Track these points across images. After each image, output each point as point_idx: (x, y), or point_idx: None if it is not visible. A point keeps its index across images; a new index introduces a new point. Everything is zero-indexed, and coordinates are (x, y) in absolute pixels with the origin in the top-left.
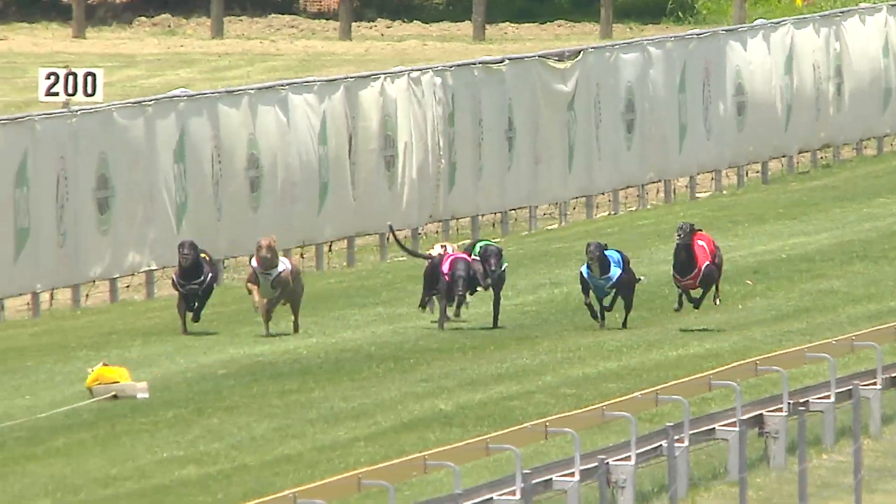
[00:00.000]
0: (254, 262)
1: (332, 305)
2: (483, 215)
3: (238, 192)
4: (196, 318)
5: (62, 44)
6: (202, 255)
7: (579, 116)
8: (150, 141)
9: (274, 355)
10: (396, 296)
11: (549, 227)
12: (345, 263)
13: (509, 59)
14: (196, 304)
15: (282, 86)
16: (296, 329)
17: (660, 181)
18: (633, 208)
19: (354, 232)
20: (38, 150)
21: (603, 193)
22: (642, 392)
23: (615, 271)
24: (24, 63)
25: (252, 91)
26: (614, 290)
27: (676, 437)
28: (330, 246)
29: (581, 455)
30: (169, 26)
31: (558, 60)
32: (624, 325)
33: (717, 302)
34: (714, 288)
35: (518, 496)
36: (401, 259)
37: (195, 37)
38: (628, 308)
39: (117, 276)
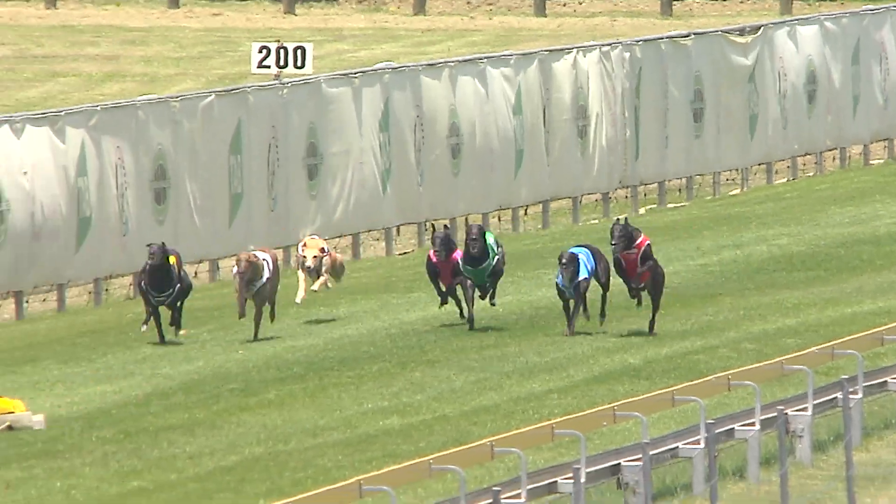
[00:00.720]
0: (235, 270)
1: (528, 266)
2: (669, 181)
3: (439, 159)
4: (176, 325)
5: (273, 20)
6: (171, 259)
7: (759, 88)
8: (356, 111)
9: (474, 312)
10: None
11: (732, 193)
12: (539, 226)
13: (694, 34)
14: (172, 312)
15: (480, 59)
16: (255, 335)
17: (835, 148)
18: (811, 174)
19: (549, 196)
20: (251, 119)
21: (782, 160)
22: (819, 347)
23: (583, 274)
24: (238, 38)
25: (452, 64)
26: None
27: (851, 390)
28: (525, 210)
29: (761, 406)
30: (374, 3)
31: (740, 35)
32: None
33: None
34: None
35: (702, 445)
36: (593, 221)
37: (399, 13)
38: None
39: (326, 237)
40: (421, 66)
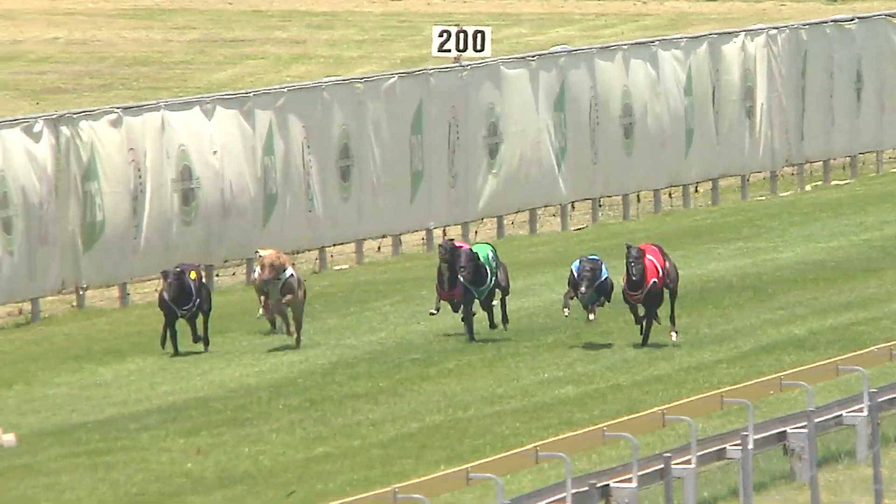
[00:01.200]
0: (257, 272)
1: (698, 241)
2: (833, 159)
3: (613, 138)
4: (200, 341)
5: (453, 4)
6: (192, 275)
7: None
8: (532, 92)
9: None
10: (756, 232)
11: (894, 170)
12: (709, 202)
13: (859, 17)
14: (192, 327)
15: (652, 42)
16: (297, 342)
17: None
18: None
19: (718, 174)
20: (432, 100)
21: None
22: None
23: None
24: (420, 22)
25: (625, 47)
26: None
27: None
28: (696, 187)
29: None
30: None
31: None
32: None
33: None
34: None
35: (865, 413)
36: (761, 197)
37: None
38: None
39: (503, 213)
40: (595, 49)
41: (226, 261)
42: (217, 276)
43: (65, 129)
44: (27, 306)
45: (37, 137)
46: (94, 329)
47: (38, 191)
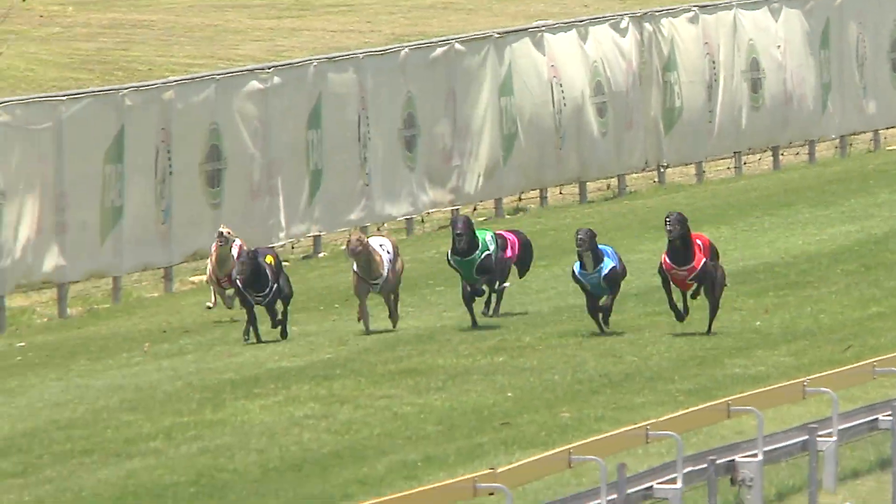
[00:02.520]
0: (355, 267)
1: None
2: None
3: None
4: (282, 334)
5: None
6: (268, 260)
7: None
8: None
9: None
10: None
11: None
12: None
13: None
14: (270, 315)
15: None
16: (394, 323)
17: None
18: None
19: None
20: None
21: None
22: None
23: (607, 262)
24: None
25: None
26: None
27: None
28: None
29: None
30: None
31: None
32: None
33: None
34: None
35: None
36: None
37: None
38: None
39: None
40: None
41: (789, 143)
42: (781, 155)
43: (647, 26)
44: (615, 182)
45: (623, 32)
46: (673, 202)
47: (625, 80)
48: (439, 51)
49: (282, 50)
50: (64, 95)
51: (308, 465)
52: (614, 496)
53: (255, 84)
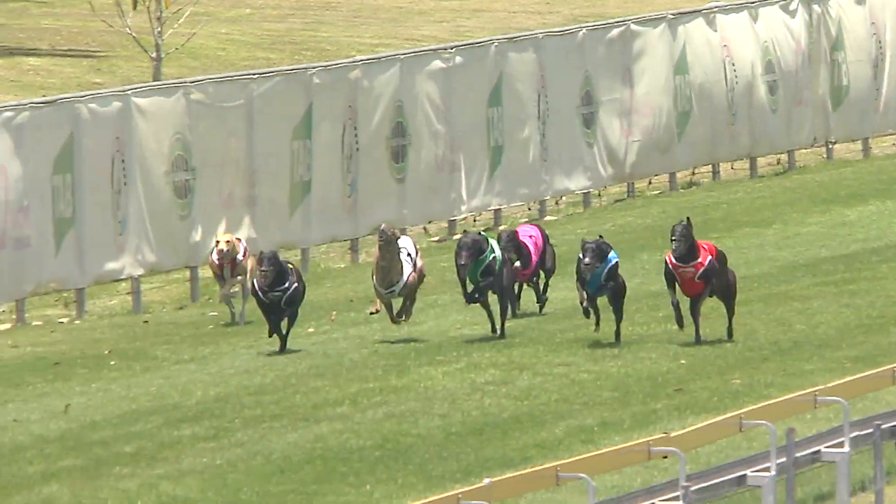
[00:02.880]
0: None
1: None
2: None
3: None
4: (282, 344)
5: None
6: (290, 265)
7: None
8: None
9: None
10: None
11: None
12: None
13: None
14: (278, 315)
15: None
16: (406, 317)
17: None
18: None
19: None
20: None
21: None
22: None
23: (612, 256)
24: None
25: None
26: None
27: None
28: None
29: None
30: None
31: None
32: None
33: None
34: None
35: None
36: None
37: None
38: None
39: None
40: None
41: None
42: None
43: (816, 7)
44: (784, 157)
45: (792, 14)
46: (841, 177)
47: (794, 59)
48: (615, 31)
49: (464, 30)
50: (255, 74)
51: (489, 430)
52: (783, 460)
53: (437, 63)
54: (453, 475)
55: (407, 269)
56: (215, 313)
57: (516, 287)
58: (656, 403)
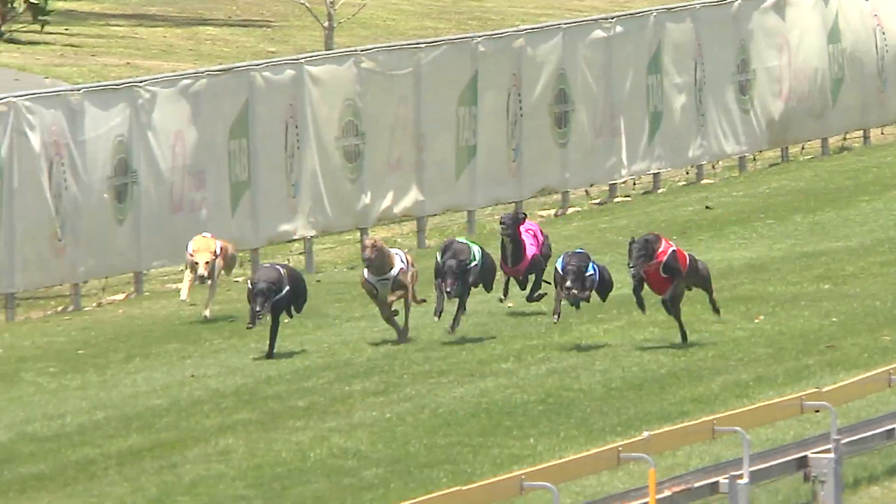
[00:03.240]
0: (364, 273)
1: None
2: None
3: None
4: (272, 339)
5: None
6: (283, 271)
7: None
8: None
9: None
10: None
11: None
12: None
13: None
14: (280, 315)
15: None
16: (405, 334)
17: None
18: None
19: None
20: None
21: None
22: None
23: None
24: None
25: None
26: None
27: None
28: None
29: None
30: None
31: None
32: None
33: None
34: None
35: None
36: None
37: None
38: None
39: None
40: None
41: None
42: None
43: None
44: None
45: None
46: None
47: None
48: (769, 1)
49: (623, 0)
50: (422, 43)
51: (647, 385)
52: None
53: (599, 33)
54: (613, 428)
55: (398, 266)
56: None
57: (504, 281)
58: (809, 359)
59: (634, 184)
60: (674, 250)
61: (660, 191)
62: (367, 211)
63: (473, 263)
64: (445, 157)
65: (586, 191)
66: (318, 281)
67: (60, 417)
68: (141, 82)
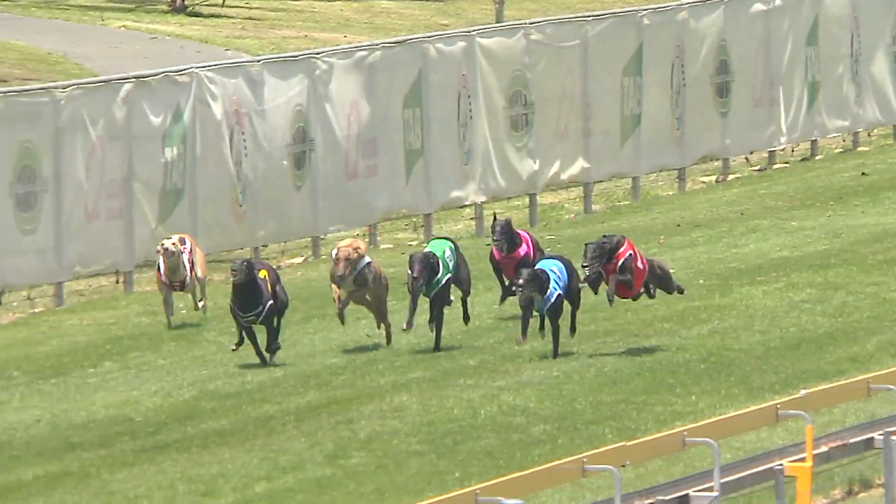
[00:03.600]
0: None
1: None
2: None
3: None
4: (270, 349)
5: None
6: (262, 273)
7: None
8: None
9: None
10: None
11: None
12: None
13: None
14: (260, 332)
15: None
16: (388, 340)
17: None
18: None
19: None
20: None
21: None
22: None
23: (553, 290)
24: None
25: None
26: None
27: None
28: None
29: None
30: None
31: None
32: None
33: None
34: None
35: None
36: None
37: None
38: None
39: None
40: None
41: None
42: None
43: None
44: None
45: None
46: None
47: None
48: None
49: None
50: (590, 16)
51: (805, 345)
52: None
53: (759, 6)
54: (772, 386)
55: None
56: (552, 236)
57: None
58: None
59: (793, 151)
60: (631, 253)
61: (817, 158)
62: (535, 177)
63: (448, 276)
64: (611, 125)
65: (746, 158)
66: (488, 245)
67: (241, 375)
68: (318, 54)
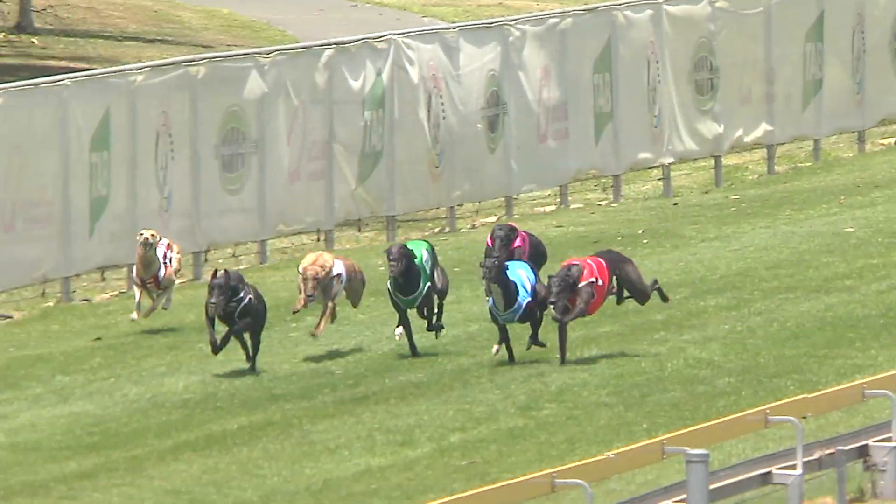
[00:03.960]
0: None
1: None
2: None
3: None
4: (250, 357)
5: None
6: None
7: None
8: None
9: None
10: None
11: None
12: None
13: None
14: (239, 331)
15: None
16: (316, 330)
17: None
18: None
19: None
20: None
21: None
22: None
23: (522, 298)
24: None
25: None
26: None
27: None
28: None
29: None
30: None
31: None
32: (528, 346)
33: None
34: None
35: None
36: None
37: None
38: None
39: None
40: None
41: None
42: None
43: None
44: None
45: None
46: None
47: None
48: None
49: None
50: None
51: None
52: None
53: None
54: None
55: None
56: (737, 196)
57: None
58: None
59: None
60: (591, 281)
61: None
62: (720, 140)
63: (427, 285)
64: (793, 90)
65: None
66: (675, 204)
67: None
68: (511, 21)
